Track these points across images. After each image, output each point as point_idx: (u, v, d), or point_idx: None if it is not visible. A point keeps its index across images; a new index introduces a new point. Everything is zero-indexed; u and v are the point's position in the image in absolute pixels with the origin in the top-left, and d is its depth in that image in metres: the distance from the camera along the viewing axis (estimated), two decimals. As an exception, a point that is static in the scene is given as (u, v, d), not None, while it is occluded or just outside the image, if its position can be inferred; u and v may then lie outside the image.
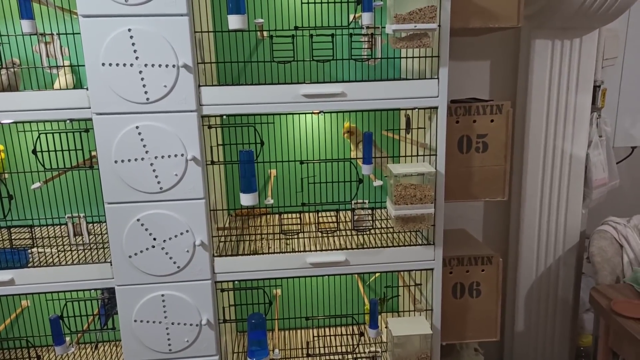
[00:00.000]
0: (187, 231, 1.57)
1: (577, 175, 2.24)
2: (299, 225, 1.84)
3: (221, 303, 1.70)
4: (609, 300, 1.91)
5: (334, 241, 1.77)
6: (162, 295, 1.61)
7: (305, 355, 1.87)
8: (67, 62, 1.69)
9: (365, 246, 1.70)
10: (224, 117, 1.58)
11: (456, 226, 2.32)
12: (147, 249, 1.57)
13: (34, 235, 1.72)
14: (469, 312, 1.85)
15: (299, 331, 2.16)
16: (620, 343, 1.89)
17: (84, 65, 1.46)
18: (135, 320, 1.62)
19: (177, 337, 1.64)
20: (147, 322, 1.62)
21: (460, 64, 2.20)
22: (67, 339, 1.69)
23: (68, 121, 1.53)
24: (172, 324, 1.63)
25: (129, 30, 1.42)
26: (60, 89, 1.68)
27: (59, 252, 1.70)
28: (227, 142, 1.94)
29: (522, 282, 2.37)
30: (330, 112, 2.00)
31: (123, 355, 1.66)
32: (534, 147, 2.22)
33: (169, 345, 1.65)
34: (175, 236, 1.57)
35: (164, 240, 1.57)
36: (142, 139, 1.50)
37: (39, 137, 1.62)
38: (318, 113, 1.98)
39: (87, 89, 1.48)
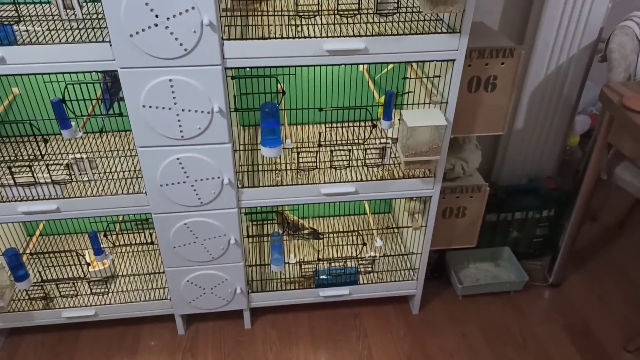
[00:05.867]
0: (193, 14, 1.40)
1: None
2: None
3: (232, 91, 1.63)
4: (620, 96, 1.90)
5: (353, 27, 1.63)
6: (170, 80, 1.51)
7: (316, 146, 1.88)
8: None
9: (385, 34, 1.58)
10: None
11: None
12: (149, 27, 1.42)
13: (19, 11, 1.53)
14: (480, 106, 1.83)
15: (310, 126, 2.15)
16: (619, 136, 1.94)
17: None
18: (143, 106, 1.55)
19: (189, 123, 1.60)
20: (157, 107, 1.56)
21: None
22: (73, 123, 1.64)
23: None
24: (183, 110, 1.57)
25: None
26: None
27: (50, 30, 1.53)
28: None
29: (530, 81, 2.34)
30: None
31: (134, 140, 1.63)
32: None
33: (181, 131, 1.61)
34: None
35: (167, 19, 1.41)
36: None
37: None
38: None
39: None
